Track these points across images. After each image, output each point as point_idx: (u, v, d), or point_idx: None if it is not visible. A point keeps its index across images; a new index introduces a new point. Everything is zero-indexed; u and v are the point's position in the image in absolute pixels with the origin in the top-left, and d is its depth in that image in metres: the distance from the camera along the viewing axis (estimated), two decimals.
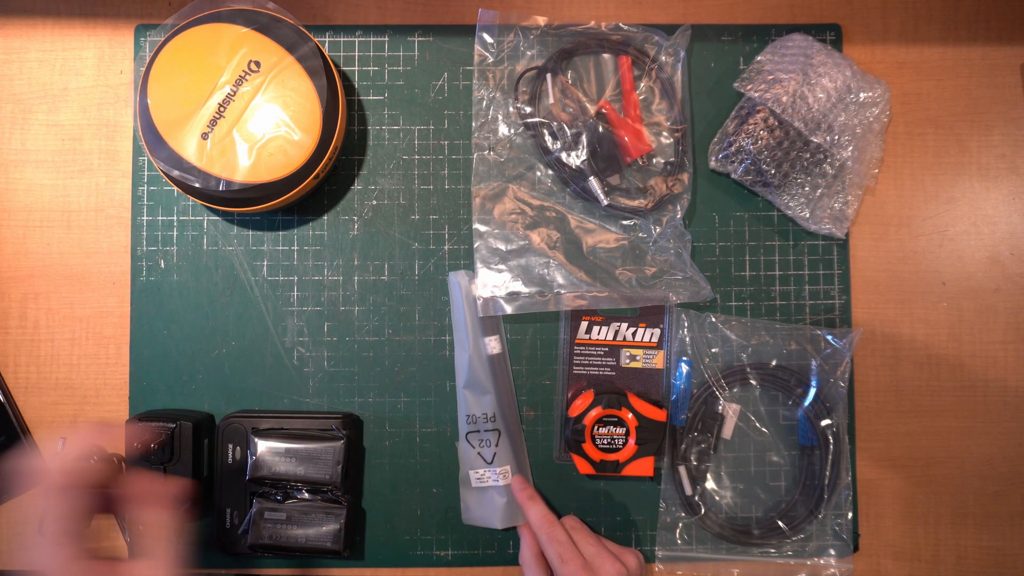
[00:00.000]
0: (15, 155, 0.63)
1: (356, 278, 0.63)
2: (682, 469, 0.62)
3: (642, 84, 0.63)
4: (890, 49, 0.66)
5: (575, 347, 0.63)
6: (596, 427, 0.59)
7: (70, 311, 0.63)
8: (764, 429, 0.63)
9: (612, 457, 0.59)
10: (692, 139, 0.64)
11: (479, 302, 0.60)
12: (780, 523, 0.62)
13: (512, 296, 0.61)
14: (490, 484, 0.61)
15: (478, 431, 0.61)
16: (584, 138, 0.61)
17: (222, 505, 0.60)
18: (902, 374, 0.64)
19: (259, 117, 0.57)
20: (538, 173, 0.63)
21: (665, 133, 0.63)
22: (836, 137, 0.60)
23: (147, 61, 0.57)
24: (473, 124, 0.63)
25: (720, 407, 0.63)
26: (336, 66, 0.62)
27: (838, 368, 0.62)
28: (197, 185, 0.56)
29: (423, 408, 0.63)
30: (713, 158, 0.63)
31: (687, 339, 0.63)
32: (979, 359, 0.65)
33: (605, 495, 0.63)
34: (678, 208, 0.63)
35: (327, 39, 0.64)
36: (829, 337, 0.62)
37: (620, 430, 0.59)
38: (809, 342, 0.63)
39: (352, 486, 0.62)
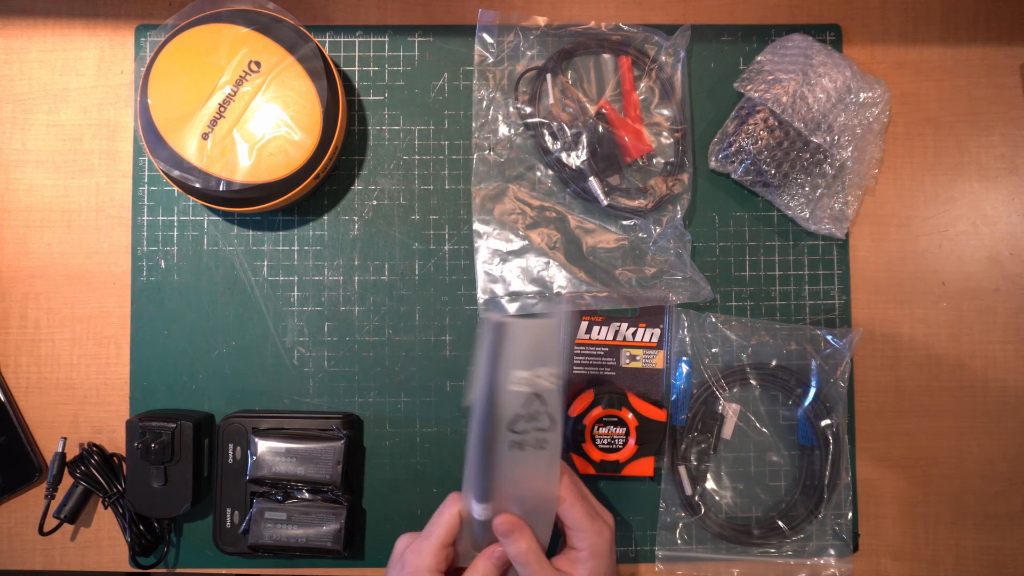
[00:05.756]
0: (15, 155, 0.63)
1: (356, 278, 0.63)
2: (682, 469, 0.62)
3: (642, 84, 0.63)
4: (890, 49, 0.66)
5: (575, 347, 0.63)
6: (596, 427, 0.59)
7: (71, 311, 0.63)
8: (764, 429, 0.63)
9: (612, 457, 0.59)
10: (692, 139, 0.64)
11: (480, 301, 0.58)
12: (780, 523, 0.62)
13: (512, 296, 0.61)
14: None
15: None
16: (584, 138, 0.61)
17: (222, 505, 0.60)
18: (902, 374, 0.64)
19: (259, 117, 0.57)
20: (538, 173, 0.63)
21: (665, 133, 0.63)
22: (836, 137, 0.60)
23: (148, 61, 0.57)
24: (473, 124, 0.63)
25: (720, 407, 0.63)
26: (336, 66, 0.62)
27: (838, 368, 0.62)
28: (197, 185, 0.56)
29: (423, 408, 0.63)
30: (713, 158, 0.63)
31: (687, 339, 0.63)
32: (979, 359, 0.65)
33: (605, 495, 0.63)
34: (678, 208, 0.63)
35: (327, 39, 0.64)
36: (829, 337, 0.62)
37: (620, 430, 0.59)
38: (809, 342, 0.63)
39: (352, 486, 0.62)
